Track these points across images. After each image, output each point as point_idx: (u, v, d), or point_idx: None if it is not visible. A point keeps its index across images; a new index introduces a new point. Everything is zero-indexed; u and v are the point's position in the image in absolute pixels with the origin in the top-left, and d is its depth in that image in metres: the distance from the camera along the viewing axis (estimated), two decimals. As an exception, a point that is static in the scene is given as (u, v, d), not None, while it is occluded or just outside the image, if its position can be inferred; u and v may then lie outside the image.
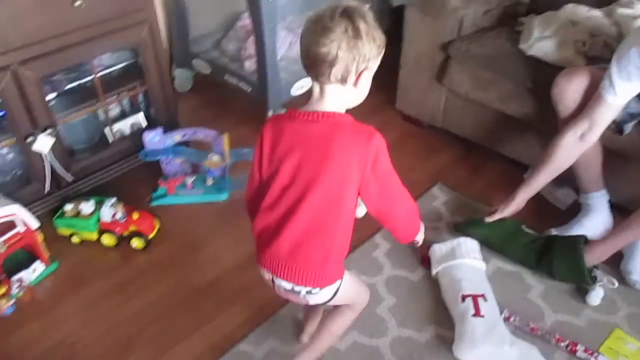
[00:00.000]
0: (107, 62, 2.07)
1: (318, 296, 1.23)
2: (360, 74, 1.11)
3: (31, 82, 1.73)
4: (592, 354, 1.54)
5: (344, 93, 1.13)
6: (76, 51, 1.81)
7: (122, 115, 2.17)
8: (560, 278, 1.76)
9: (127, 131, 2.16)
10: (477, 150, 2.34)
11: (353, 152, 1.11)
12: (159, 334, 1.63)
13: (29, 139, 1.80)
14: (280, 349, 1.58)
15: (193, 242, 1.95)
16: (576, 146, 1.72)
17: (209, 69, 2.57)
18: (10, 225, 1.70)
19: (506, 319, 1.65)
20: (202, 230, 2.00)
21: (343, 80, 1.10)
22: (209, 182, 2.13)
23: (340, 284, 1.25)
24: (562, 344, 1.58)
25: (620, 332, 1.64)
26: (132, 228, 1.88)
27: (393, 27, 2.43)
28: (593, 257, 1.71)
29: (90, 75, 1.98)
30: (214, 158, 2.08)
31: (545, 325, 1.65)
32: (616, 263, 1.81)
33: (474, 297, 1.62)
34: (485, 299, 1.62)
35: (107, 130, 2.09)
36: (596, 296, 1.70)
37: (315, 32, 1.07)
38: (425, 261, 1.83)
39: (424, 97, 2.36)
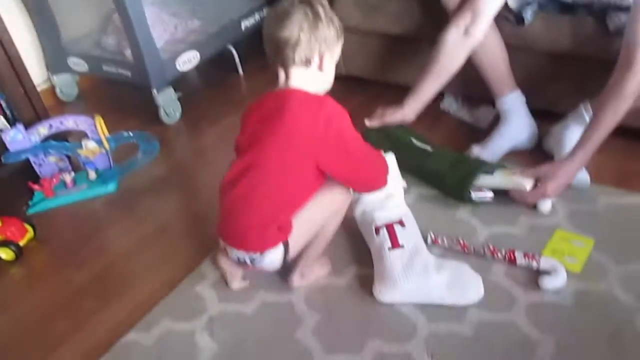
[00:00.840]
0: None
1: (265, 261, 1.23)
2: (322, 58, 1.16)
3: None
4: (533, 258, 1.33)
5: (309, 77, 1.18)
6: None
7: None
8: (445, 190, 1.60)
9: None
10: (389, 90, 2.15)
11: (303, 118, 1.14)
12: (32, 345, 1.34)
13: None
14: (174, 328, 1.32)
15: (75, 241, 1.67)
16: (461, 42, 1.55)
17: (85, 66, 2.33)
18: None
19: (433, 242, 1.43)
20: (85, 227, 1.73)
21: (307, 62, 1.15)
22: (92, 175, 1.87)
23: (288, 241, 1.22)
24: (499, 255, 1.36)
25: (563, 232, 1.44)
26: (-2, 237, 1.60)
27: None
28: (575, 166, 1.45)
29: None
30: (90, 145, 1.82)
31: (478, 241, 1.44)
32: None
33: (389, 226, 1.39)
34: (402, 225, 1.39)
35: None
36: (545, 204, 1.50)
37: (276, 18, 1.14)
38: None
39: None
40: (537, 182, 1.47)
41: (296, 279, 1.36)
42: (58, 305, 1.45)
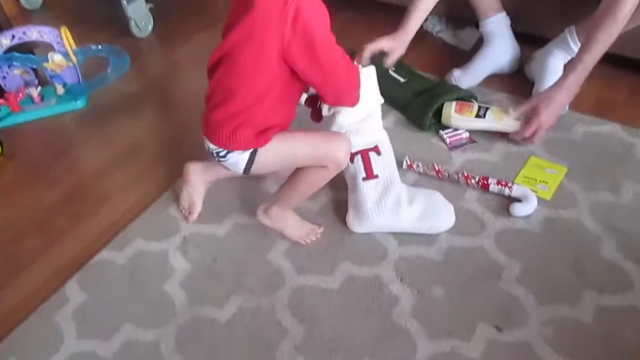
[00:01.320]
0: None
1: (229, 161, 1.17)
2: None
3: None
4: (505, 185, 1.34)
5: None
6: None
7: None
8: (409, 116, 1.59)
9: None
10: (369, 7, 2.06)
11: (272, 8, 1.02)
12: (3, 260, 1.34)
13: None
14: (147, 248, 1.32)
15: (44, 158, 1.63)
16: None
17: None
18: None
19: (409, 167, 1.43)
20: (55, 143, 1.69)
21: None
22: (60, 90, 1.79)
23: (256, 153, 1.16)
24: (472, 181, 1.37)
25: (537, 159, 1.44)
26: (-39, 153, 1.55)
27: None
28: (566, 91, 1.41)
29: None
30: (56, 57, 1.73)
31: (453, 167, 1.44)
32: (528, 93, 1.61)
33: (364, 153, 1.34)
34: (378, 153, 1.35)
35: None
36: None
37: None
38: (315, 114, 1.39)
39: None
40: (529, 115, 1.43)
41: (260, 214, 1.30)
42: (28, 222, 1.44)
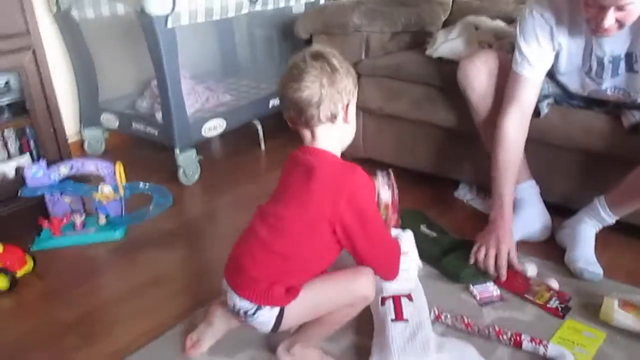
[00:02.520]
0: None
1: (258, 319, 1.14)
2: (347, 108, 1.13)
3: None
4: (540, 343, 1.26)
5: (334, 132, 1.14)
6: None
7: (8, 158, 1.98)
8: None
9: (11, 174, 1.94)
10: (405, 175, 2.17)
11: (332, 183, 1.10)
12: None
13: None
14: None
15: (70, 280, 1.64)
16: (520, 131, 1.58)
17: (116, 122, 2.43)
18: None
19: (436, 318, 1.37)
20: (84, 268, 1.71)
21: (333, 117, 1.11)
22: (102, 220, 1.88)
23: (284, 310, 1.14)
24: (504, 337, 1.29)
25: (574, 322, 1.37)
26: (-5, 265, 1.59)
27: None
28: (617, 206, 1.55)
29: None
30: (106, 189, 1.85)
31: (484, 322, 1.37)
32: (560, 259, 1.59)
33: (396, 298, 1.34)
34: (410, 299, 1.34)
35: (-16, 170, 1.87)
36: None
37: (292, 79, 1.09)
38: None
39: (342, 127, 2.24)
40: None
41: (282, 353, 1.25)
42: (40, 339, 1.40)
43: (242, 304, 1.14)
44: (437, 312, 1.38)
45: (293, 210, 1.11)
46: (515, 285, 1.49)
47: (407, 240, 1.47)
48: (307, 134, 1.15)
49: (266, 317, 1.14)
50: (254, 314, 1.13)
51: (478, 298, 1.46)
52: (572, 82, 1.63)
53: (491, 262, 1.50)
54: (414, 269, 1.46)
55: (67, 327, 1.44)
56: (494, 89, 1.66)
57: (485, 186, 1.95)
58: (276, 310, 1.13)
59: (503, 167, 1.59)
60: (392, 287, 1.36)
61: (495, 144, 1.59)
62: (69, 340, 1.39)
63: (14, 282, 1.58)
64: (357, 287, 1.17)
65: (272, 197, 1.20)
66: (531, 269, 1.53)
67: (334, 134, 1.14)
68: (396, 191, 1.36)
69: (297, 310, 1.15)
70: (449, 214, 1.93)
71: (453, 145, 1.95)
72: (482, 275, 1.52)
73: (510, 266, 1.51)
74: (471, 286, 1.49)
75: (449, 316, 1.37)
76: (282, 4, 2.45)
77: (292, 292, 1.13)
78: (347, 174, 1.10)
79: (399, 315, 1.29)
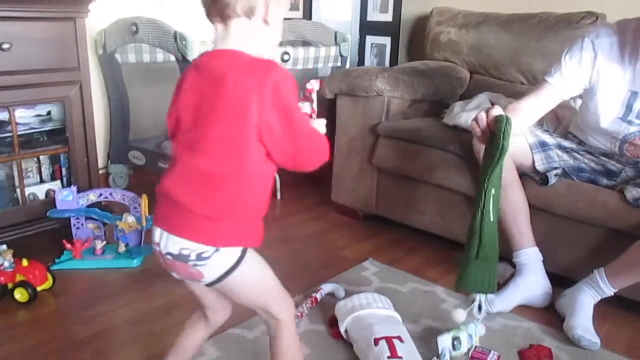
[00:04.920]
0: (30, 123, 2.05)
1: (210, 264, 0.99)
2: (268, 7, 1.00)
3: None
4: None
5: (252, 31, 1.01)
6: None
7: (40, 182, 2.10)
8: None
9: (41, 195, 2.05)
10: (414, 234, 2.26)
11: (249, 84, 0.95)
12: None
13: None
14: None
15: (87, 299, 1.72)
16: (528, 115, 1.72)
17: (143, 160, 2.56)
18: None
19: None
20: (101, 291, 1.78)
21: (251, 11, 0.99)
22: (121, 248, 1.96)
23: (242, 259, 1.01)
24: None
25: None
26: (18, 278, 1.66)
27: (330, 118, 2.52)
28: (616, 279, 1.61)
29: (9, 132, 1.94)
30: (129, 219, 1.95)
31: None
32: (559, 325, 1.64)
33: (388, 339, 1.40)
34: (401, 340, 1.41)
35: (18, 191, 1.98)
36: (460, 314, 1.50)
37: None
38: (332, 324, 1.60)
39: (357, 183, 2.35)
40: None
41: None
42: (53, 350, 1.46)
43: (193, 248, 0.99)
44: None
45: (215, 131, 0.98)
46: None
47: (382, 297, 1.61)
48: (219, 27, 1.02)
49: (219, 262, 1.01)
50: (207, 257, 1.00)
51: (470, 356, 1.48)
52: (603, 132, 1.75)
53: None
54: (398, 316, 1.57)
55: (79, 342, 1.50)
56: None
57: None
58: (235, 255, 1.02)
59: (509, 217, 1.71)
60: (383, 330, 1.44)
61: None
62: (80, 354, 1.45)
63: (34, 296, 1.65)
64: (286, 302, 1.11)
65: (179, 119, 1.03)
66: (459, 314, 1.51)
67: (250, 33, 1.01)
68: (315, 102, 1.19)
69: (250, 272, 1.05)
70: (453, 273, 1.99)
71: (463, 209, 2.04)
72: (480, 284, 1.48)
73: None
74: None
75: None
76: (310, 65, 2.63)
77: (255, 232, 1.05)
78: (265, 69, 0.97)
79: (394, 353, 1.35)
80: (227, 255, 1.00)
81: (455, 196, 2.05)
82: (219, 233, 0.99)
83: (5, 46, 1.78)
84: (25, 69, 1.85)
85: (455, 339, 1.45)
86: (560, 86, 1.70)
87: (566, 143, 1.83)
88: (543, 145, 1.79)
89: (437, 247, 2.18)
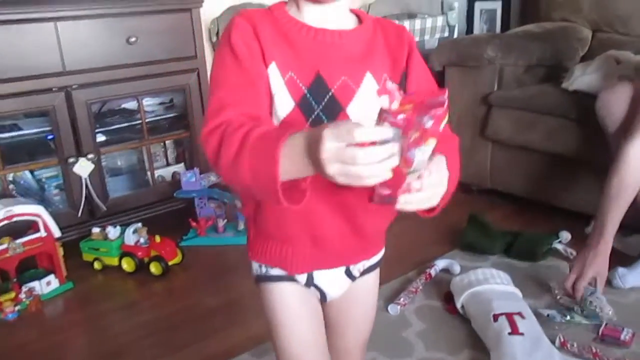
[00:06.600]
0: (156, 110, 2.21)
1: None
2: None
3: (81, 105, 1.88)
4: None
5: None
6: (125, 86, 1.97)
7: (167, 165, 2.27)
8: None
9: (168, 178, 2.22)
10: (531, 206, 2.15)
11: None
12: (153, 345, 1.48)
13: (71, 160, 1.88)
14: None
15: (214, 273, 1.85)
16: None
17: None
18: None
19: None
20: (226, 265, 1.90)
21: None
22: (241, 226, 2.07)
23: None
24: (636, 371, 1.24)
25: None
26: (153, 253, 1.82)
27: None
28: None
29: (138, 120, 2.11)
30: (247, 197, 2.05)
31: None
32: None
33: (509, 315, 1.36)
34: (522, 317, 1.36)
35: (149, 173, 2.16)
36: None
37: None
38: (448, 300, 1.57)
39: (470, 156, 2.26)
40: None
41: None
42: (188, 318, 1.59)
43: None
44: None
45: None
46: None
47: (502, 273, 1.58)
48: None
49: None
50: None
51: (600, 332, 1.41)
52: None
53: (568, 284, 1.50)
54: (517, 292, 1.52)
55: (211, 310, 1.62)
56: (633, 119, 1.62)
57: (622, 224, 1.88)
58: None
59: (613, 193, 1.52)
60: (502, 305, 1.40)
61: (613, 167, 1.54)
62: (213, 321, 1.56)
63: (166, 270, 1.80)
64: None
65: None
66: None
67: None
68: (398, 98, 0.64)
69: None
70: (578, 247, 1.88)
71: (588, 179, 1.90)
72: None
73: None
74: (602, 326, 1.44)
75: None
76: (417, 38, 2.58)
77: None
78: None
79: (514, 330, 1.31)
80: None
81: (579, 166, 1.92)
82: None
83: (132, 40, 1.93)
84: (149, 60, 2.00)
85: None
86: None
87: None
88: None
89: (558, 221, 2.06)
